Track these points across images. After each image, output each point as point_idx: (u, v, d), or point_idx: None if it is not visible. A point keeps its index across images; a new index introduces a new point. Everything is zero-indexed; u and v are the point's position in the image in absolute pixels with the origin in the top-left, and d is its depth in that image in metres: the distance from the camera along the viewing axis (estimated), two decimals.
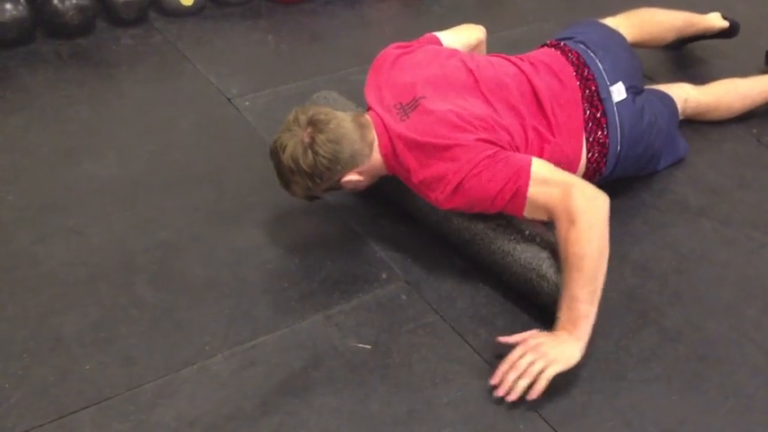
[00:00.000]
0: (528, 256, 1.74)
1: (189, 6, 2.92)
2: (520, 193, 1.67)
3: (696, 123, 2.38)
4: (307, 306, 1.77)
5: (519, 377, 1.54)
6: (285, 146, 1.75)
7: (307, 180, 1.76)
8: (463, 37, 2.13)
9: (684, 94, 2.32)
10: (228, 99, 2.48)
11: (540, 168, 1.69)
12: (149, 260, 1.87)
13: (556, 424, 1.54)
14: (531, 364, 1.54)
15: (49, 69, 2.59)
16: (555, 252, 1.71)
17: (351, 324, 1.72)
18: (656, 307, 1.81)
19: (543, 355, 1.54)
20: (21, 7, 2.64)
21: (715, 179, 2.22)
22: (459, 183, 1.70)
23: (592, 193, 1.66)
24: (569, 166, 1.91)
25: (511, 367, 1.55)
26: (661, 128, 2.12)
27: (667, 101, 2.24)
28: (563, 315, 1.60)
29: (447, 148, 1.71)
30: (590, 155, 1.95)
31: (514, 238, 1.77)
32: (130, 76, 2.60)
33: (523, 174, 1.67)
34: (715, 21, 2.62)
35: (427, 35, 2.08)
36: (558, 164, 1.86)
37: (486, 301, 1.81)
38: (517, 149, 1.80)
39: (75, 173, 2.14)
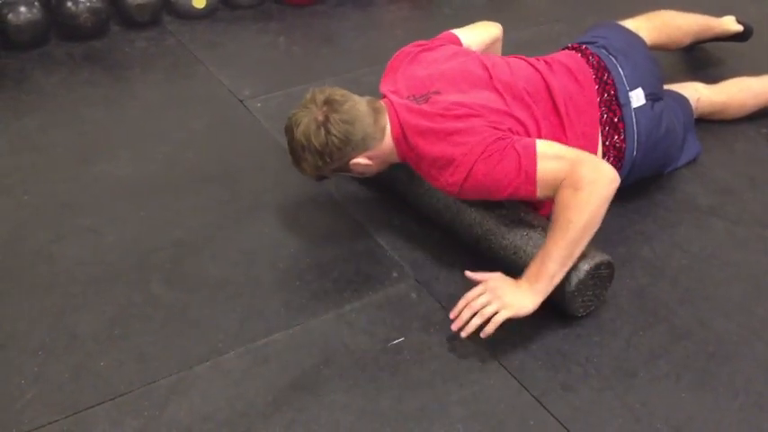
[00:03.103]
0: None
1: (201, 9, 2.95)
2: (529, 176, 1.68)
3: (707, 123, 2.38)
4: (318, 304, 1.78)
5: (473, 315, 1.62)
6: (299, 123, 1.79)
7: (317, 158, 1.79)
8: (481, 34, 2.15)
9: (697, 94, 2.33)
10: (240, 100, 2.50)
11: (547, 147, 1.70)
12: (163, 259, 1.89)
13: (565, 420, 1.54)
14: (486, 305, 1.63)
15: (64, 71, 2.63)
16: None
17: (362, 322, 1.73)
18: (667, 305, 1.82)
19: (498, 298, 1.62)
20: (35, 10, 2.68)
21: (726, 179, 2.22)
22: (471, 167, 1.71)
23: (602, 168, 1.66)
24: None
25: (467, 305, 1.64)
26: (678, 133, 2.13)
27: (684, 103, 2.24)
28: (532, 267, 1.65)
29: (457, 131, 1.74)
30: (606, 158, 1.95)
31: (527, 234, 1.78)
32: (144, 77, 2.63)
33: (530, 155, 1.68)
34: (730, 24, 2.63)
35: (446, 33, 2.10)
36: None
37: None
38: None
39: (91, 173, 2.17)
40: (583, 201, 1.62)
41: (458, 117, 1.76)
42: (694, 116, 2.31)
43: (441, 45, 2.02)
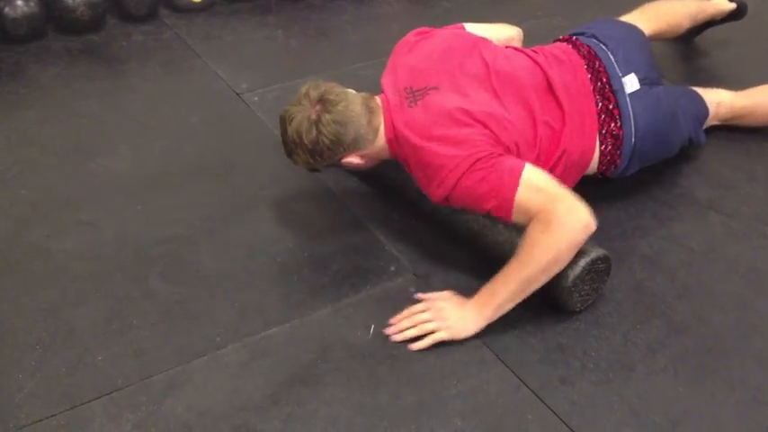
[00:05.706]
0: None
1: (199, 2, 2.94)
2: (507, 201, 1.68)
3: None
4: (316, 299, 1.78)
5: (412, 326, 1.67)
6: (292, 118, 1.80)
7: (308, 155, 1.81)
8: (494, 31, 2.12)
9: (718, 98, 2.28)
10: (238, 94, 2.49)
11: (531, 175, 1.69)
12: (161, 253, 1.88)
13: (563, 414, 1.55)
14: (427, 321, 1.67)
15: (61, 65, 2.62)
16: None
17: (360, 316, 1.73)
18: (664, 300, 1.82)
19: (441, 319, 1.67)
20: (32, 3, 2.66)
21: (724, 173, 2.22)
22: (456, 183, 1.71)
23: (578, 211, 1.64)
24: (583, 157, 1.92)
25: (409, 316, 1.69)
26: (680, 121, 2.09)
27: (693, 96, 2.22)
28: (483, 292, 1.67)
29: (447, 141, 1.73)
30: (603, 147, 1.95)
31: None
32: (141, 71, 2.62)
33: (514, 179, 1.67)
34: (723, 4, 2.62)
35: (456, 24, 2.08)
36: (572, 154, 1.88)
37: None
38: (526, 143, 1.81)
39: (88, 167, 2.16)
40: (549, 242, 1.62)
41: (449, 127, 1.74)
42: (716, 121, 2.29)
43: (439, 32, 1.99)
